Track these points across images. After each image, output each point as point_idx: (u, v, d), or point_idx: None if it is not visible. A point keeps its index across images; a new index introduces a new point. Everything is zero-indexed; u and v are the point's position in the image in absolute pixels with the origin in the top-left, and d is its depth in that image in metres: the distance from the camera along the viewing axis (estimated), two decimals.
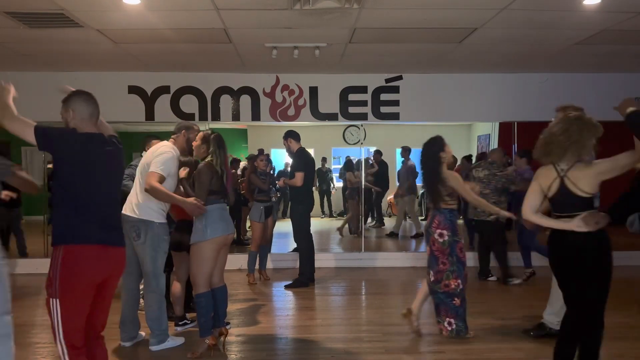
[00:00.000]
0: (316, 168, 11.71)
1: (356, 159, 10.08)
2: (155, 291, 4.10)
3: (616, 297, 3.25)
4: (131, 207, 4.06)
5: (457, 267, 4.28)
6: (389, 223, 10.74)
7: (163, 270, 4.19)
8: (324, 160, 12.25)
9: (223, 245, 4.02)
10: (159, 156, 3.99)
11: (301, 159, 6.30)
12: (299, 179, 6.13)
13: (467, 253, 6.01)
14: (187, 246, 4.48)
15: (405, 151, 9.69)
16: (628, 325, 4.61)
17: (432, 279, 4.34)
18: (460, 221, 7.56)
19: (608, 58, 6.60)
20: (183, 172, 4.25)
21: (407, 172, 9.45)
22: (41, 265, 5.67)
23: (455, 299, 4.29)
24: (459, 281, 4.28)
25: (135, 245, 4.04)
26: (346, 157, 11.25)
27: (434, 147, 4.34)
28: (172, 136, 4.30)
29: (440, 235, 4.28)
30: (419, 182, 8.81)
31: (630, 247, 6.67)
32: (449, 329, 4.34)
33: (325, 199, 12.58)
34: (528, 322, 4.75)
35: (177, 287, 4.61)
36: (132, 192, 4.13)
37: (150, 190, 3.85)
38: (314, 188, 6.64)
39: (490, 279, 6.53)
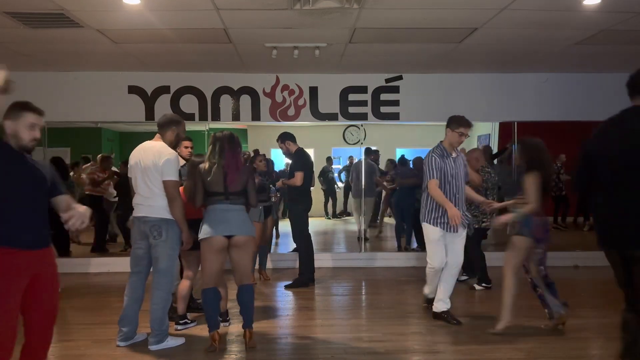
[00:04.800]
0: (323, 167, 11.81)
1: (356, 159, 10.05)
2: (164, 289, 4.11)
3: (617, 296, 3.25)
4: (149, 208, 4.06)
5: None
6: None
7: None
8: (329, 160, 12.21)
9: (223, 246, 4.02)
10: (167, 161, 4.01)
11: (300, 158, 6.28)
12: (298, 178, 6.11)
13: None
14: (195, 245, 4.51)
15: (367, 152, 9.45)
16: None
17: None
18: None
19: (608, 58, 6.59)
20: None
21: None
22: None
23: None
24: None
25: (154, 244, 4.05)
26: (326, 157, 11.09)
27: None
28: (159, 132, 4.22)
29: None
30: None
31: None
32: None
33: (330, 199, 12.52)
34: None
35: (184, 285, 4.63)
36: (146, 193, 4.07)
37: (174, 201, 4.00)
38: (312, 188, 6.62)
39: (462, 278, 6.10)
